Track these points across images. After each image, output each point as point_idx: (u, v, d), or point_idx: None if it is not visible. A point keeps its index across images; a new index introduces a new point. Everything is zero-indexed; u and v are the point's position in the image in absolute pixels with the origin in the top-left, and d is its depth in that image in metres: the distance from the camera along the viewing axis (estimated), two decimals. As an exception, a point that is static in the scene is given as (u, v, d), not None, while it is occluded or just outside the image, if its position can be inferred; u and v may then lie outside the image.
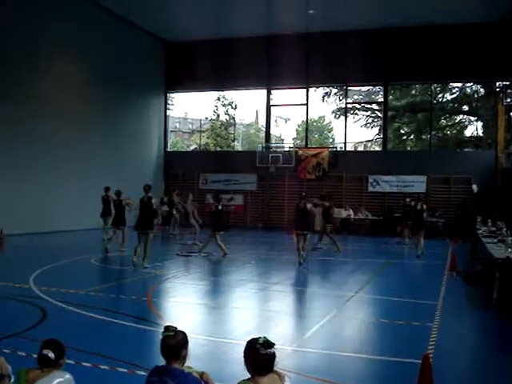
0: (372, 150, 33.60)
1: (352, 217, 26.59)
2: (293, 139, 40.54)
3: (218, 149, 34.87)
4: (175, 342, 4.03)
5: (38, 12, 21.35)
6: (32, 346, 6.19)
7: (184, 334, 4.14)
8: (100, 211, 18.82)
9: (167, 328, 4.13)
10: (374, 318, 9.00)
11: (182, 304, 9.91)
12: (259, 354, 3.71)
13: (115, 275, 12.34)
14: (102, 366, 5.74)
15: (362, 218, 26.52)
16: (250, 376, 3.77)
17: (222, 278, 12.96)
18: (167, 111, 32.27)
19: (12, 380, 4.30)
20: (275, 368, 3.80)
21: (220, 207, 16.23)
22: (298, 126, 41.45)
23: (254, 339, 3.82)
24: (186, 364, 4.19)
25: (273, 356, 3.74)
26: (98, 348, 6.21)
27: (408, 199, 21.66)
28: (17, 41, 20.57)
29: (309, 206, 14.27)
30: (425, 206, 17.15)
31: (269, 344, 3.75)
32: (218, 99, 34.68)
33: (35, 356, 5.64)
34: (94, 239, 20.34)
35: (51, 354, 4.00)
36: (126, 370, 5.72)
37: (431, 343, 6.98)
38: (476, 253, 16.14)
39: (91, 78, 25.14)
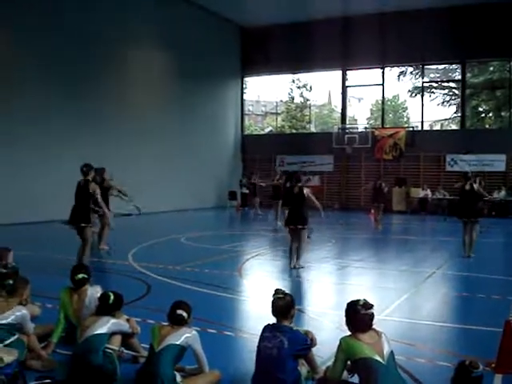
0: (449, 128, 33.10)
1: (430, 197, 26.55)
2: (367, 119, 40.34)
3: (294, 131, 35.25)
4: (285, 303, 4.64)
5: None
6: (145, 313, 7.02)
7: (291, 296, 4.74)
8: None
9: (277, 291, 4.74)
10: (455, 292, 9.38)
11: (272, 278, 10.57)
12: (360, 314, 4.25)
13: (205, 253, 13.10)
14: (210, 330, 6.43)
15: (440, 198, 26.42)
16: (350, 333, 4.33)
17: (305, 256, 13.50)
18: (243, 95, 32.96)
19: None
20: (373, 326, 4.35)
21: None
22: (372, 106, 41.18)
23: (354, 301, 4.36)
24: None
25: (372, 315, 4.28)
26: (203, 315, 6.89)
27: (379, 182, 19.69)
28: (95, 28, 21.10)
29: (306, 190, 11.10)
30: (475, 186, 12.67)
31: (368, 305, 4.30)
32: (293, 81, 35.02)
33: (150, 321, 6.48)
34: (179, 220, 21.53)
35: (185, 314, 4.69)
36: (231, 334, 6.43)
37: (513, 314, 7.30)
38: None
39: (167, 64, 25.98)
